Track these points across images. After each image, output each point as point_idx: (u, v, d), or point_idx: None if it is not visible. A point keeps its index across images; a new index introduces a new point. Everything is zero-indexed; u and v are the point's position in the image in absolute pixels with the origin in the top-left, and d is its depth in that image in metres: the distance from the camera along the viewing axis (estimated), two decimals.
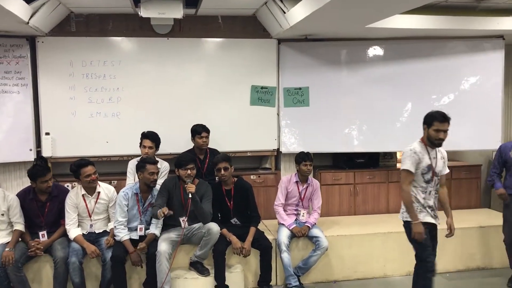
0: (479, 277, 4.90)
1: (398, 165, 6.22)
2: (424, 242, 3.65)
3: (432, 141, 3.67)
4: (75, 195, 4.30)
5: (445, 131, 3.64)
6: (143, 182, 4.31)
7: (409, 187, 3.67)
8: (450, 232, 3.81)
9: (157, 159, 4.81)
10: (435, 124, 3.62)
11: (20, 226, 4.15)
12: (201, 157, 4.96)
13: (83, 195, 4.29)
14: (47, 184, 4.18)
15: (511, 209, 4.60)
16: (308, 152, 4.82)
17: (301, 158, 4.77)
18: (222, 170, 4.42)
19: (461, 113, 5.79)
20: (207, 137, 4.94)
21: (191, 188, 4.16)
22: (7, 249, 3.96)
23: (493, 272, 5.02)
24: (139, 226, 4.30)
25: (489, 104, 5.82)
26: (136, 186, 4.36)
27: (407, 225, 3.71)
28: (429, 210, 3.70)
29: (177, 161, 4.34)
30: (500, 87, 5.82)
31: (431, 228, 3.73)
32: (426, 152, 3.69)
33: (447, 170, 3.85)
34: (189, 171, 4.23)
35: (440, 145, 3.70)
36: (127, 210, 4.30)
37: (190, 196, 4.14)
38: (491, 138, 5.82)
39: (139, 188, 4.34)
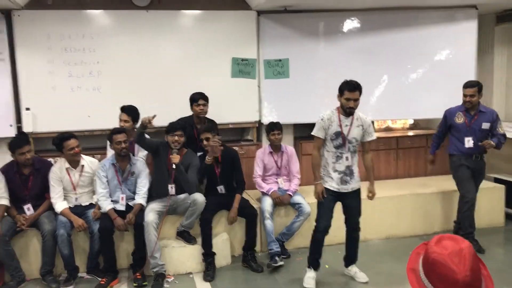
0: None
1: (376, 134, 6.35)
2: (321, 204, 3.94)
3: (344, 109, 3.81)
4: (58, 168, 4.30)
5: (355, 100, 3.76)
6: (116, 153, 4.36)
7: (317, 151, 3.92)
8: (370, 197, 4.08)
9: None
10: (345, 93, 3.75)
11: (4, 201, 4.15)
12: (198, 126, 4.91)
13: (67, 169, 4.30)
14: (24, 156, 4.16)
15: (463, 169, 4.82)
16: (277, 122, 4.93)
17: (269, 128, 4.87)
18: (204, 141, 4.49)
19: (435, 82, 5.98)
20: (205, 104, 4.87)
21: (175, 159, 4.23)
22: None
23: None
24: (120, 196, 4.33)
25: (463, 74, 5.95)
26: (113, 157, 4.41)
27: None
28: (338, 175, 3.87)
29: (167, 126, 4.40)
30: (473, 57, 6.00)
31: (338, 194, 3.92)
32: (338, 119, 3.83)
33: (372, 138, 3.97)
34: (176, 137, 4.29)
35: (351, 113, 3.82)
36: (108, 182, 4.34)
37: (174, 166, 4.22)
38: None
39: (115, 159, 4.38)
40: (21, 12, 4.98)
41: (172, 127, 4.36)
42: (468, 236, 4.69)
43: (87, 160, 4.43)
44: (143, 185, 4.40)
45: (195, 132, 4.86)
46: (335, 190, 3.90)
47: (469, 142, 4.73)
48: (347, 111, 3.80)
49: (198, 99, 4.87)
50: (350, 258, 4.20)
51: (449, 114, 4.90)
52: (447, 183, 5.63)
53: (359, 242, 4.16)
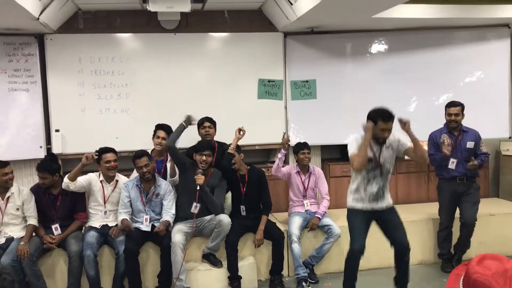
0: None
1: (406, 157, 6.23)
2: (353, 226, 3.79)
3: (377, 139, 3.63)
4: (94, 177, 4.38)
5: (390, 130, 3.59)
6: (139, 176, 4.38)
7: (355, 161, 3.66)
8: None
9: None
10: (380, 123, 3.55)
11: (33, 221, 4.19)
12: None
13: (101, 181, 4.36)
14: (41, 181, 4.23)
15: (444, 194, 4.79)
16: (305, 142, 4.88)
17: (298, 147, 4.83)
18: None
19: (467, 103, 5.74)
20: (210, 127, 4.84)
21: (200, 180, 4.18)
22: (22, 243, 4.00)
23: None
24: (144, 217, 4.32)
25: (496, 94, 5.85)
26: (138, 177, 4.41)
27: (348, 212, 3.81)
28: (368, 195, 3.71)
29: (196, 145, 4.42)
30: (506, 76, 5.85)
31: (371, 214, 3.75)
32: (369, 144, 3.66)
33: (408, 145, 3.75)
34: (204, 157, 4.27)
35: (384, 142, 3.66)
36: (130, 202, 4.33)
37: (198, 188, 4.17)
38: (498, 127, 5.85)
39: (139, 180, 4.38)
40: (53, 36, 5.11)
41: (201, 147, 4.36)
42: (440, 257, 4.87)
43: (121, 178, 4.49)
44: (169, 207, 4.39)
45: None
46: (367, 210, 3.72)
47: (453, 164, 4.68)
48: (381, 141, 3.64)
49: (203, 121, 4.86)
50: (402, 280, 3.89)
51: (435, 137, 4.83)
52: (481, 207, 5.43)
53: (409, 263, 3.85)
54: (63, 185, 4.23)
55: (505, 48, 5.82)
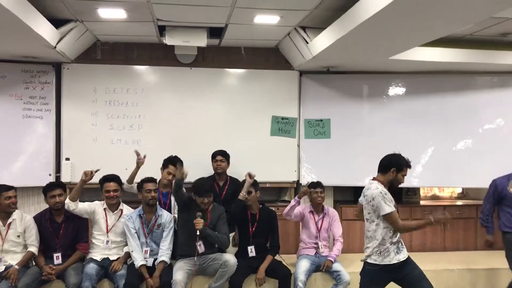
0: None
1: (422, 202, 6.07)
2: (364, 285, 3.56)
3: (395, 184, 3.55)
4: (98, 205, 4.30)
5: None
6: (144, 201, 4.28)
7: (402, 223, 3.45)
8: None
9: None
10: (405, 169, 3.54)
11: (33, 248, 4.12)
12: (220, 183, 4.89)
13: (104, 209, 4.28)
14: (54, 200, 4.17)
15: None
16: (318, 181, 4.79)
17: (311, 186, 4.75)
18: (246, 195, 4.40)
19: (485, 150, 5.68)
20: (222, 160, 4.84)
21: (198, 225, 4.01)
22: (15, 266, 3.93)
23: None
24: (144, 249, 4.21)
25: None
26: (140, 207, 4.32)
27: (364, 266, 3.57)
28: (393, 246, 3.45)
29: (196, 187, 4.23)
30: None
31: (393, 271, 3.49)
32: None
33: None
34: (206, 200, 4.16)
35: (397, 188, 3.60)
36: (136, 233, 4.23)
37: (198, 233, 4.00)
38: None
39: (142, 210, 4.29)
40: (71, 66, 5.18)
41: (202, 191, 4.17)
42: None
43: (126, 208, 4.42)
44: (167, 240, 4.25)
45: (217, 190, 4.81)
46: (392, 263, 3.44)
47: None
48: (398, 185, 3.59)
49: (216, 155, 4.88)
50: None
51: (500, 184, 4.42)
52: (500, 260, 5.17)
53: None
54: (66, 206, 4.15)
55: None
